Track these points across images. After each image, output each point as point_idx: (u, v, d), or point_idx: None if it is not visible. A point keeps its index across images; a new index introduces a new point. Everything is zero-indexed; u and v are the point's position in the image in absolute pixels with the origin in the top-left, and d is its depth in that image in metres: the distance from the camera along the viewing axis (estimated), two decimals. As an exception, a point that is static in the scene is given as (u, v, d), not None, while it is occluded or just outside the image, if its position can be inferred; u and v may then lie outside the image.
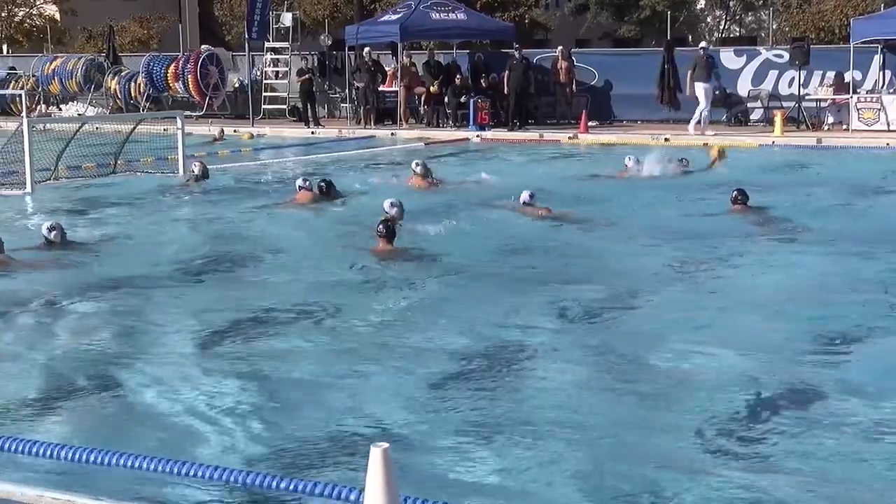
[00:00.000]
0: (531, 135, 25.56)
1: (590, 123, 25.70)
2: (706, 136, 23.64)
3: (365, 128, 27.74)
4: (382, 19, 30.09)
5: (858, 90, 24.72)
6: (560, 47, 28.80)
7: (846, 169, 19.27)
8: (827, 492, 5.49)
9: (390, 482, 4.03)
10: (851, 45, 24.45)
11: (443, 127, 27.56)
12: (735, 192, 13.69)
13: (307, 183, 14.96)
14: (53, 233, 11.78)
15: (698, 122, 24.56)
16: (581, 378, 7.30)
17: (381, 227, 11.26)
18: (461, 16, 29.11)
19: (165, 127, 21.07)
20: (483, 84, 27.69)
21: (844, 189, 16.04)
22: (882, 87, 24.88)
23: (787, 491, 5.46)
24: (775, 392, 6.96)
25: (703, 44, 26.69)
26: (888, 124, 23.72)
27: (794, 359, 7.68)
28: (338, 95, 31.08)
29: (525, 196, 13.80)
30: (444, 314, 9.05)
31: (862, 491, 5.51)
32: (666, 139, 23.77)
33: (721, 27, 53.02)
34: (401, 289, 10.07)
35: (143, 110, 28.78)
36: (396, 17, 28.63)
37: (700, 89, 24.59)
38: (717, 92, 25.30)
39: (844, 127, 24.41)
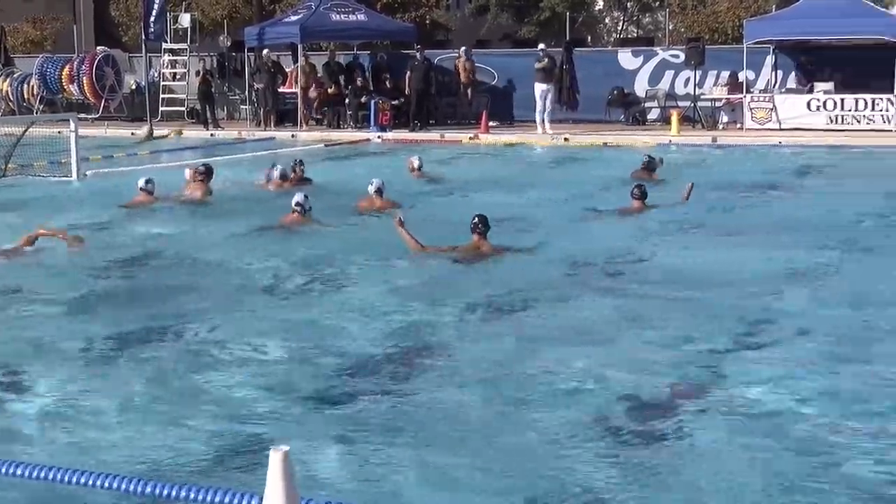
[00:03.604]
0: (432, 135, 25.62)
1: (490, 124, 25.86)
2: (548, 135, 24.31)
3: (265, 129, 27.53)
4: (282, 20, 29.89)
5: (752, 90, 25.25)
6: (463, 48, 28.83)
7: (741, 166, 19.73)
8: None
9: (290, 486, 4.00)
10: (745, 46, 24.96)
11: (343, 128, 27.47)
12: (635, 188, 13.98)
13: (149, 185, 14.98)
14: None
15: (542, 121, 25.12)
16: (477, 378, 7.34)
17: (476, 221, 11.06)
18: (361, 17, 29.02)
19: (60, 130, 20.66)
20: (387, 85, 27.68)
21: (739, 186, 16.37)
22: (774, 87, 25.46)
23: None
24: (668, 386, 7.08)
25: (541, 45, 26.91)
26: (780, 123, 24.25)
27: (687, 355, 7.83)
28: (237, 97, 30.80)
29: (377, 184, 14.17)
30: (356, 312, 9.05)
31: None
32: (566, 139, 24.04)
33: (619, 28, 53.68)
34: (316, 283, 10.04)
35: (36, 113, 28.19)
36: (296, 17, 28.46)
37: (536, 89, 25.10)
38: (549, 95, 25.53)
39: (738, 126, 24.90)
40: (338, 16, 28.43)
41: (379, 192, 14.20)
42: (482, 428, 6.39)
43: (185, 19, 30.71)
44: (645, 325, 8.61)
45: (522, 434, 6.28)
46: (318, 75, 28.21)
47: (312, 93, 27.88)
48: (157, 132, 26.89)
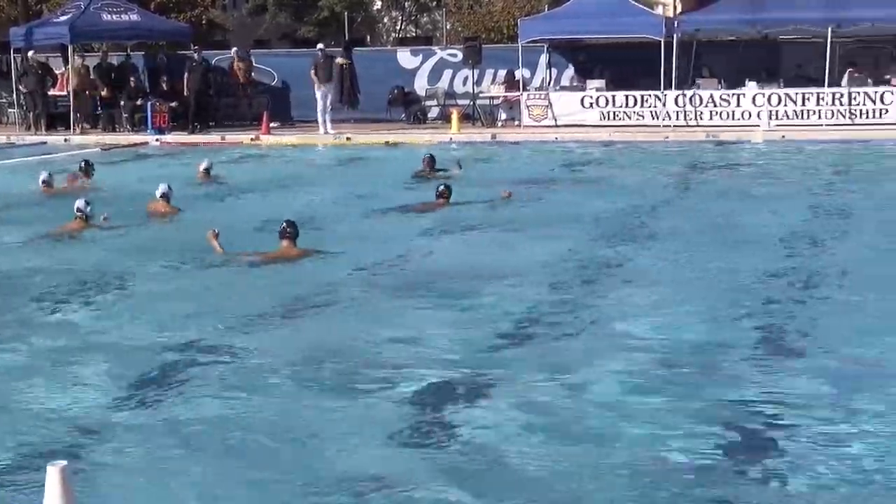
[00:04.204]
0: (212, 137, 25.20)
1: (272, 124, 25.63)
2: (330, 135, 24.41)
3: (35, 134, 26.50)
4: (51, 20, 28.85)
5: (528, 88, 25.91)
6: (235, 48, 28.50)
7: (519, 162, 20.25)
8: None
9: (68, 501, 3.87)
10: (520, 45, 25.57)
11: (119, 131, 26.69)
12: (441, 187, 14.32)
13: None
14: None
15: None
16: (277, 383, 7.29)
17: (285, 226, 10.83)
18: (134, 17, 28.29)
19: None
20: (165, 87, 27.07)
21: (519, 182, 16.74)
22: (549, 85, 26.20)
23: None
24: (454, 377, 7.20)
25: (320, 45, 27.06)
26: (556, 119, 24.98)
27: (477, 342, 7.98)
28: (4, 100, 29.52)
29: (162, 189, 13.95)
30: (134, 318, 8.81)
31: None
32: (348, 138, 24.09)
33: (398, 27, 54.13)
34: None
35: None
36: (65, 18, 27.50)
37: (316, 89, 25.14)
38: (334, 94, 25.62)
39: (516, 123, 25.51)
40: (109, 16, 27.65)
41: (165, 197, 13.85)
42: (267, 433, 6.33)
43: (-58, 20, 29.28)
44: (430, 322, 8.70)
45: (309, 439, 6.25)
46: (91, 77, 27.32)
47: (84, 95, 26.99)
48: None
